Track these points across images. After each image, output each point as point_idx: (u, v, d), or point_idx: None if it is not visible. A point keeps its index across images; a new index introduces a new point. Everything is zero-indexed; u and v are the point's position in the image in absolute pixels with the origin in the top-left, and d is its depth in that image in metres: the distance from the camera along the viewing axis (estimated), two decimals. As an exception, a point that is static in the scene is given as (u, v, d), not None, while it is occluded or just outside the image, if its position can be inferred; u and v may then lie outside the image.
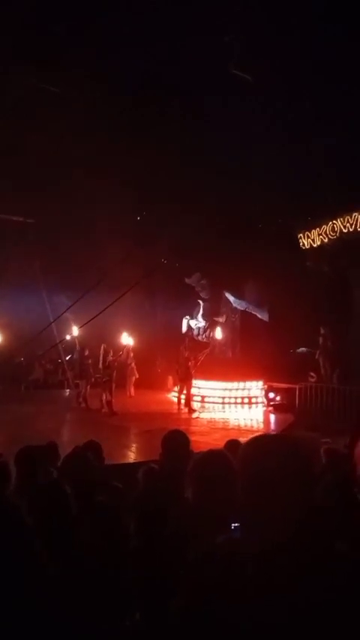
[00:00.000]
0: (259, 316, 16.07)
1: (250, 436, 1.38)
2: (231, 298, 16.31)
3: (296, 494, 1.22)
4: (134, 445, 9.24)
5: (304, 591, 1.15)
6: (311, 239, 14.17)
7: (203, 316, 16.99)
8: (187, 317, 17.34)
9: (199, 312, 17.15)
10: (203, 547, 1.31)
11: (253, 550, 1.20)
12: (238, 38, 10.23)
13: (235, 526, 1.61)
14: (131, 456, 8.30)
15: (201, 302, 17.05)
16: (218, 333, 15.86)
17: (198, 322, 17.07)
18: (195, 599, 1.25)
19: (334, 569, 1.18)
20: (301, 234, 14.43)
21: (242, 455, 1.31)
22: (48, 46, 10.43)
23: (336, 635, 1.14)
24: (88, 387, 13.07)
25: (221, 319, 16.56)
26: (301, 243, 14.43)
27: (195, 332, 17.08)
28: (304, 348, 15.23)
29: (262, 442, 1.32)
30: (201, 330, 17.06)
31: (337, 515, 2.44)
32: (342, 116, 11.05)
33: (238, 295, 16.25)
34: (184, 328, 17.18)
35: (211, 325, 16.77)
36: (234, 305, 16.38)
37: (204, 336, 16.92)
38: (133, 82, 11.52)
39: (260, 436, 1.37)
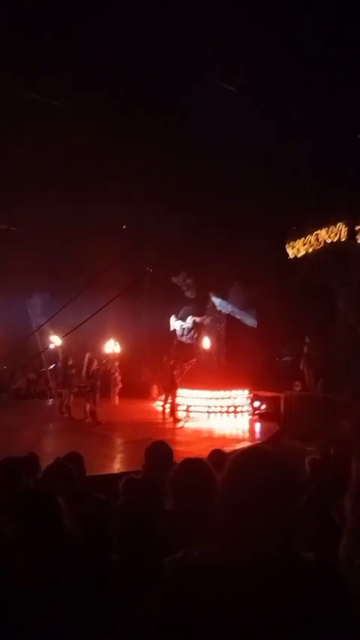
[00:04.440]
0: (244, 321, 16.03)
1: (236, 446, 1.39)
2: (216, 301, 16.24)
3: (279, 509, 1.22)
4: (118, 455, 9.13)
5: (282, 604, 1.15)
6: (296, 248, 14.29)
7: (189, 317, 16.85)
8: (174, 316, 17.17)
9: (185, 313, 17.06)
10: (178, 561, 1.30)
11: (232, 564, 1.19)
12: (225, 46, 10.35)
13: None
14: (115, 467, 8.19)
15: (187, 305, 16.95)
16: (206, 343, 15.80)
17: (183, 324, 16.97)
18: (172, 614, 1.23)
19: (306, 581, 1.19)
20: (287, 244, 14.55)
21: (227, 470, 1.31)
22: (33, 53, 10.42)
23: None
24: (72, 396, 12.92)
25: (205, 320, 16.46)
26: (287, 253, 14.55)
27: (179, 333, 16.95)
28: (288, 357, 15.30)
29: (246, 456, 1.32)
30: (185, 330, 16.95)
31: (314, 526, 2.43)
32: (327, 126, 11.23)
33: (223, 298, 16.21)
34: (172, 327, 17.04)
35: (196, 327, 16.69)
36: (219, 308, 16.29)
37: (188, 337, 16.82)
38: (119, 90, 11.56)
39: (245, 450, 1.36)
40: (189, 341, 16.75)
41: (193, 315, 16.80)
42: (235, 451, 1.40)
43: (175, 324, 17.03)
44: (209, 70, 10.66)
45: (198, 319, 16.71)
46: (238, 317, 16.09)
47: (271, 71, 10.48)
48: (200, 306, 16.91)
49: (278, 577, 1.17)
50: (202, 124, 11.38)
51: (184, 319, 17.01)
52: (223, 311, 16.25)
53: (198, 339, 16.40)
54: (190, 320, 16.80)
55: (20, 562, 1.86)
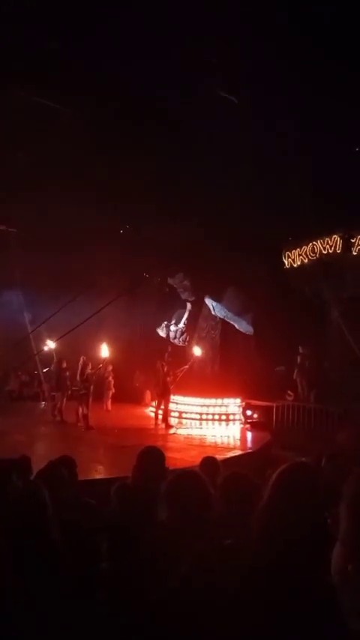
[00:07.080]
0: (237, 327, 16.00)
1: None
2: (212, 304, 16.23)
3: (313, 522, 1.39)
4: (109, 461, 9.08)
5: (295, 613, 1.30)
6: (292, 259, 14.37)
7: (182, 320, 16.81)
8: (166, 322, 17.11)
9: (179, 316, 17.01)
10: (200, 555, 1.44)
11: (259, 560, 1.35)
12: (225, 60, 10.47)
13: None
14: (106, 472, 8.15)
15: (188, 304, 16.91)
16: (197, 351, 15.80)
17: (177, 327, 16.93)
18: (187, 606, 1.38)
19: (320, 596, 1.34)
20: (283, 254, 14.63)
21: (275, 481, 1.48)
22: (35, 60, 10.49)
23: None
24: (65, 399, 12.85)
25: (200, 323, 16.49)
26: (283, 262, 14.62)
27: (172, 335, 16.90)
28: (281, 367, 15.33)
29: (293, 471, 1.51)
30: (178, 333, 16.89)
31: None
32: (324, 139, 11.34)
33: (218, 301, 16.20)
34: (163, 334, 16.99)
35: (188, 330, 16.66)
36: (214, 313, 16.27)
37: (180, 340, 16.78)
38: (120, 95, 11.64)
39: (293, 464, 1.55)
40: (181, 343, 16.73)
41: (187, 319, 16.80)
42: (281, 462, 1.58)
43: (167, 329, 16.99)
44: (210, 84, 10.79)
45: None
46: (231, 322, 16.07)
47: (268, 85, 10.60)
48: (195, 310, 16.90)
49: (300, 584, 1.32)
50: (202, 134, 11.49)
51: (177, 322, 16.99)
52: (218, 315, 16.24)
53: (190, 343, 16.39)
54: (182, 323, 16.78)
55: (6, 568, 1.85)
